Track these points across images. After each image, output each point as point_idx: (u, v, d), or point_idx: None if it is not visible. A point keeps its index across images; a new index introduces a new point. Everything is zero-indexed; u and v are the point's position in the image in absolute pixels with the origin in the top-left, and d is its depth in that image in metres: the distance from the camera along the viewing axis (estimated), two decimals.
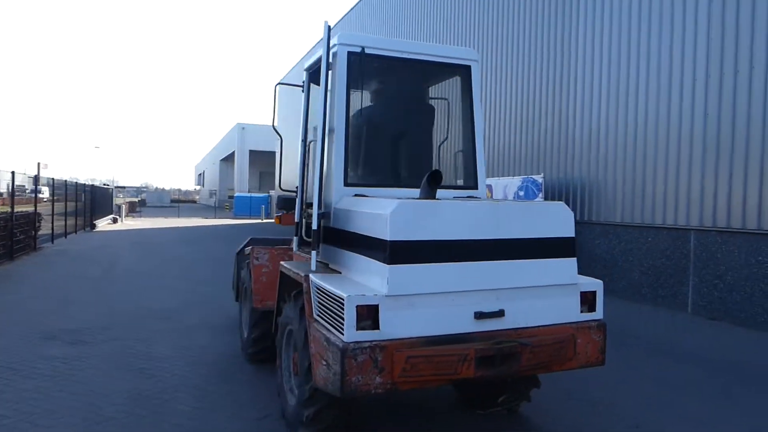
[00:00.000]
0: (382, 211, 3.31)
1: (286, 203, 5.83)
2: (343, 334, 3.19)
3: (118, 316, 8.08)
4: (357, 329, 3.16)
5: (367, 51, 4.20)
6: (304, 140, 5.24)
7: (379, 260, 3.30)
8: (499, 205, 3.58)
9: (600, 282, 3.84)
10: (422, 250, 3.30)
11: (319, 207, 3.88)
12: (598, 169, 10.27)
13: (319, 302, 3.59)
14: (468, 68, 4.67)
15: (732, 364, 6.35)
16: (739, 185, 8.04)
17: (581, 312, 3.76)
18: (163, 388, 5.13)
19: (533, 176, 11.36)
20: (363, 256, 3.51)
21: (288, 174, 5.73)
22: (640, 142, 9.50)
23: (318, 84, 5.68)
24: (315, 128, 4.31)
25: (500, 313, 3.47)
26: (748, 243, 7.93)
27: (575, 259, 3.73)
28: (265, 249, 5.85)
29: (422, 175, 4.77)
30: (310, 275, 3.75)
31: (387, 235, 3.23)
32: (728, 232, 8.17)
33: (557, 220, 3.68)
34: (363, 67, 4.20)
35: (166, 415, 4.48)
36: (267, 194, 45.53)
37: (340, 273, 3.86)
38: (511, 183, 11.89)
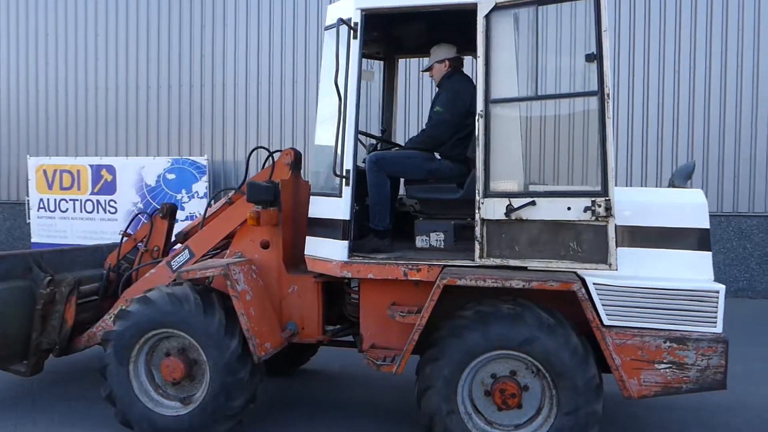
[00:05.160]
0: (696, 201, 3.36)
1: (267, 193, 3.99)
2: (714, 326, 3.15)
3: None
4: None
5: None
6: (348, 107, 3.80)
7: (693, 249, 3.34)
8: None
9: None
10: None
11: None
12: None
13: (625, 305, 3.21)
14: None
15: None
16: None
17: None
18: None
19: (193, 157, 10.10)
20: (656, 249, 3.36)
21: None
22: None
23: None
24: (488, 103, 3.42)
25: None
26: None
27: None
28: (238, 266, 3.77)
29: None
30: (592, 281, 3.23)
31: (706, 223, 3.34)
32: None
33: None
34: None
35: None
36: None
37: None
38: (153, 164, 10.10)
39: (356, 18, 3.73)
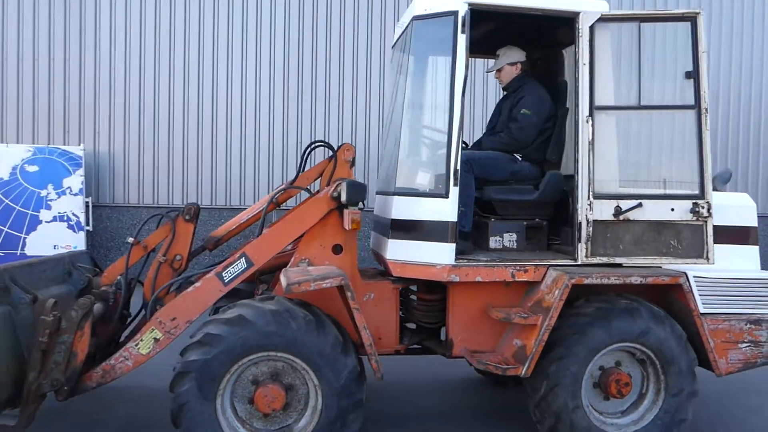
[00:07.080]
0: (746, 203, 3.94)
1: (360, 193, 3.66)
2: None
3: None
4: None
5: None
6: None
7: (744, 243, 3.93)
8: None
9: None
10: None
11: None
12: None
13: (716, 294, 3.66)
14: None
15: None
16: None
17: None
18: None
19: (64, 146, 8.36)
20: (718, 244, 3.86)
21: None
22: None
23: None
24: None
25: None
26: None
27: None
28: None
29: None
30: (692, 274, 3.61)
31: (755, 221, 3.95)
32: None
33: None
34: None
35: None
36: None
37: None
38: (6, 153, 8.12)
39: (462, 12, 3.60)
